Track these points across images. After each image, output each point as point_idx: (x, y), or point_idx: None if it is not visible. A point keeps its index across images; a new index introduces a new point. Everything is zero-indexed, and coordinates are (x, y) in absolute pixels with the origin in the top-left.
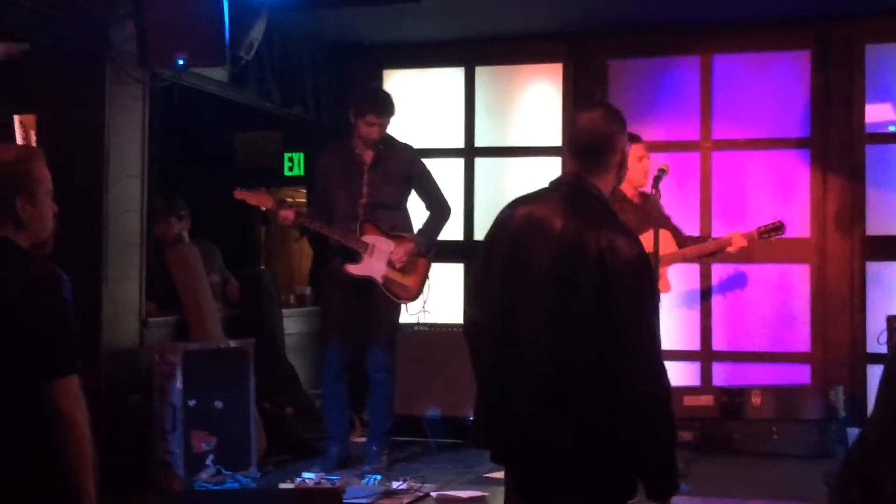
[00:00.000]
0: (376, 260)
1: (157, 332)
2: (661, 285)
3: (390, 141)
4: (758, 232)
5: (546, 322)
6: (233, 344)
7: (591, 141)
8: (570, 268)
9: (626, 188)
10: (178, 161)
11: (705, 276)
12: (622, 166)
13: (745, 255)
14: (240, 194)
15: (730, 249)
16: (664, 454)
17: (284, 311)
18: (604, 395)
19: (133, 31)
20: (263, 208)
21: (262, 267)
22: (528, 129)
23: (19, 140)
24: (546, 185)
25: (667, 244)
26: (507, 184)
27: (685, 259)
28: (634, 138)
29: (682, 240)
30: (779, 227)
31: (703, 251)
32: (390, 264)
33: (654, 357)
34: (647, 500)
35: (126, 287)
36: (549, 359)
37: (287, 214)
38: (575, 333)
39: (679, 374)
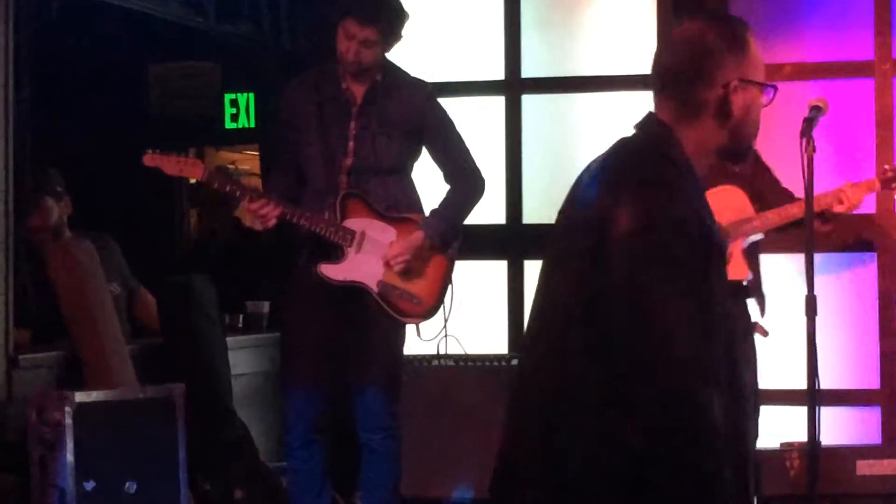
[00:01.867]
0: (367, 256)
1: (34, 375)
2: (732, 269)
3: (394, 72)
4: (882, 179)
5: (535, 337)
6: (151, 392)
7: (670, 65)
8: (564, 257)
9: None
10: (61, 113)
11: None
12: (726, 112)
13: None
14: (152, 159)
15: (839, 209)
16: None
17: (231, 339)
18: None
19: None
20: (192, 181)
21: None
22: (603, 50)
23: None
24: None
25: (737, 207)
26: (572, 134)
27: (764, 228)
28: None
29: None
30: None
31: (785, 215)
32: (389, 263)
33: (676, 392)
34: None
35: None
36: (535, 390)
37: (264, 209)
38: (560, 353)
39: (843, 424)
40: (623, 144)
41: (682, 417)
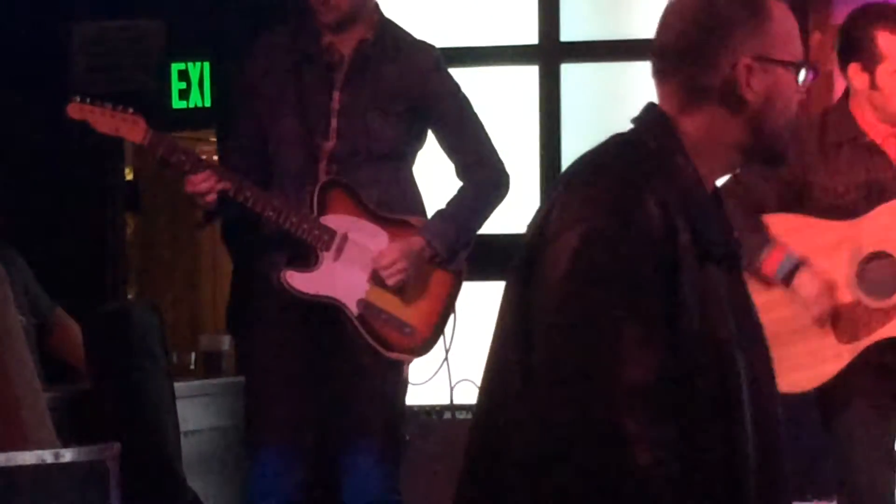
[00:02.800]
0: (348, 266)
1: None
2: None
3: (392, 32)
4: None
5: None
6: (76, 454)
7: (668, 41)
8: (513, 285)
9: (877, 125)
10: None
11: None
12: (736, 98)
13: None
14: (79, 110)
15: None
16: None
17: (179, 384)
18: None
19: None
20: (131, 141)
21: (132, 296)
22: (659, 6)
23: None
24: None
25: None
26: (623, 112)
27: None
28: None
29: None
30: None
31: None
32: (375, 276)
33: (600, 428)
34: None
35: None
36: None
37: (204, 183)
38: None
39: None
40: (609, 139)
41: (609, 457)
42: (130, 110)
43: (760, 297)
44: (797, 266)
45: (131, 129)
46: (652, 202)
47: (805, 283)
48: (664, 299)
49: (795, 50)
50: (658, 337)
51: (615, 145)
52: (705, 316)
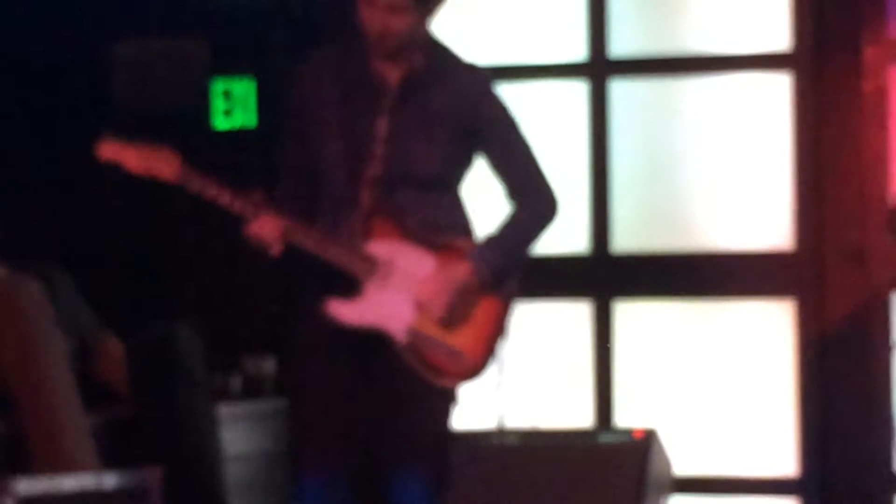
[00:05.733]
0: (395, 294)
1: None
2: None
3: (442, 54)
4: None
5: None
6: (118, 479)
7: None
8: None
9: None
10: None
11: None
12: None
13: None
14: (112, 150)
15: None
16: None
17: (225, 409)
18: None
19: None
20: (164, 180)
21: (174, 322)
22: (714, 22)
23: None
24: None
25: None
26: (676, 130)
27: None
28: None
29: None
30: None
31: None
32: (423, 305)
33: None
34: None
35: None
36: None
37: (268, 228)
38: None
39: None
40: None
41: None
42: (164, 147)
43: None
44: None
45: (163, 166)
46: None
47: None
48: None
49: None
50: None
51: None
52: None
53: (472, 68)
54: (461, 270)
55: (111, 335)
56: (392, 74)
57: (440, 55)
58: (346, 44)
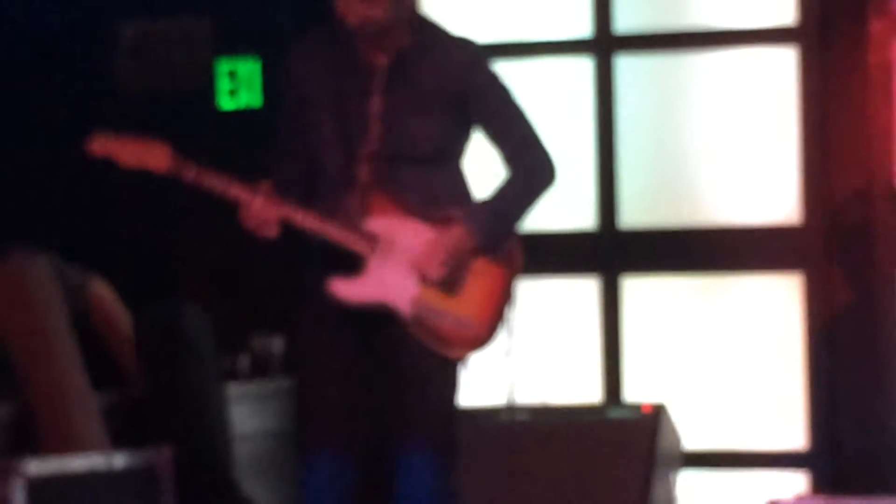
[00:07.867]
0: (395, 268)
1: None
2: None
3: (429, 31)
4: None
5: None
6: (127, 459)
7: None
8: None
9: None
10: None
11: None
12: None
13: None
14: (103, 145)
15: None
16: None
17: (233, 388)
18: None
19: None
20: (157, 172)
21: (182, 301)
22: None
23: None
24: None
25: None
26: (682, 106)
27: None
28: None
29: None
30: None
31: None
32: (421, 272)
33: None
34: None
35: None
36: None
37: (264, 212)
38: None
39: None
40: None
41: None
42: (153, 140)
43: None
44: None
45: (155, 158)
46: None
47: None
48: None
49: None
50: None
51: None
52: None
53: (460, 41)
54: (454, 234)
55: (93, 277)
56: (380, 57)
57: (427, 31)
58: (335, 28)
